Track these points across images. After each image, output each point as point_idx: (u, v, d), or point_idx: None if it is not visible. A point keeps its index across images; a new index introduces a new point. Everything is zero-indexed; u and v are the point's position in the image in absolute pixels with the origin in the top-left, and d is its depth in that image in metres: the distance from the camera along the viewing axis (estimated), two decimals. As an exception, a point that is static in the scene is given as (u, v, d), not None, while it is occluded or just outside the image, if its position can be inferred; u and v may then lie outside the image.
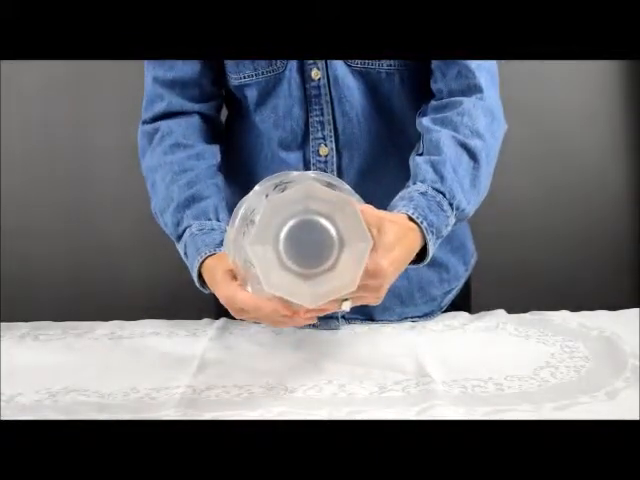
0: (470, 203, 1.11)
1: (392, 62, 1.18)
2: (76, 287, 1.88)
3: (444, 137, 1.11)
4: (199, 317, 1.29)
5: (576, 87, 1.84)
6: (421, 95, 1.22)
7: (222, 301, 1.03)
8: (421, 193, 1.07)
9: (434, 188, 1.08)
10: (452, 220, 1.09)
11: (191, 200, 1.17)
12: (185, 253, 1.14)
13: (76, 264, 1.87)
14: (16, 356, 1.14)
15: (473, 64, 1.16)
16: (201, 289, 1.13)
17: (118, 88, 1.77)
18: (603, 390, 0.98)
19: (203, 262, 1.09)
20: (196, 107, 1.25)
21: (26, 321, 1.28)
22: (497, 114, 1.18)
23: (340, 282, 0.90)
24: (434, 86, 1.19)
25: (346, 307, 0.93)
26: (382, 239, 0.95)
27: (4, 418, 0.93)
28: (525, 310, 1.28)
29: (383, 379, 1.03)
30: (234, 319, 1.28)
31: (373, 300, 0.97)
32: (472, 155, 1.11)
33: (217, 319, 1.29)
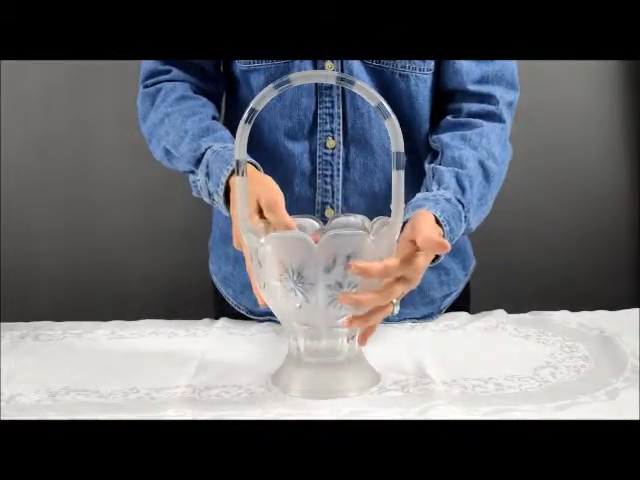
0: (474, 220, 1.15)
1: (406, 64, 1.19)
2: (76, 287, 1.88)
3: (466, 154, 1.17)
4: (199, 317, 1.29)
5: (575, 87, 1.84)
6: (431, 102, 1.24)
7: (233, 220, 1.07)
8: (446, 199, 1.10)
9: (457, 198, 1.12)
10: (461, 232, 1.12)
11: (206, 130, 1.17)
12: (207, 173, 1.13)
13: (76, 264, 1.87)
14: (16, 356, 1.14)
15: (497, 93, 1.21)
16: (223, 209, 1.13)
17: (118, 87, 1.77)
18: (603, 390, 0.98)
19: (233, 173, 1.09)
20: (198, 84, 1.27)
21: (26, 321, 1.28)
22: (508, 146, 1.23)
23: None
24: (451, 106, 1.23)
25: (396, 310, 0.99)
26: None
27: (4, 418, 0.93)
28: (525, 310, 1.28)
29: (383, 379, 1.03)
30: (234, 319, 1.29)
31: (413, 281, 0.98)
32: (486, 175, 1.17)
33: (217, 319, 1.29)
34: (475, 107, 1.22)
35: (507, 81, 1.23)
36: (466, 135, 1.19)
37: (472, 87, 1.21)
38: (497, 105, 1.21)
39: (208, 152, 1.14)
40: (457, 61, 1.21)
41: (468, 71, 1.21)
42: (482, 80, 1.22)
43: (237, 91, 1.27)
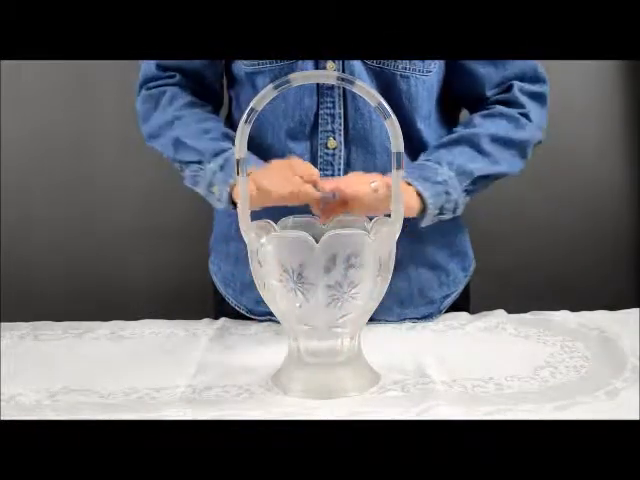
0: (474, 163, 1.19)
1: (406, 65, 1.19)
2: (76, 287, 1.88)
3: (459, 132, 1.23)
4: (199, 317, 1.29)
5: (575, 87, 1.84)
6: (433, 102, 1.24)
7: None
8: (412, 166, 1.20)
9: (424, 159, 1.20)
10: (445, 170, 1.17)
11: (227, 136, 1.20)
12: (222, 166, 1.15)
13: (76, 265, 1.87)
14: (16, 356, 1.14)
15: (514, 83, 1.24)
16: (218, 201, 1.16)
17: (119, 86, 1.77)
18: (603, 390, 0.98)
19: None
20: (200, 91, 1.28)
21: (26, 321, 1.28)
22: (522, 122, 1.25)
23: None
24: (473, 103, 1.28)
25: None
26: None
27: (4, 418, 0.93)
28: (525, 310, 1.28)
29: (383, 379, 1.03)
30: (234, 319, 1.29)
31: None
32: (476, 137, 1.21)
33: (217, 319, 1.29)
34: (494, 98, 1.26)
35: (529, 77, 1.26)
36: (472, 118, 1.25)
37: (490, 92, 1.26)
38: (511, 92, 1.25)
39: (230, 151, 1.16)
40: (476, 69, 1.24)
41: (488, 79, 1.25)
42: (502, 83, 1.26)
43: (241, 93, 1.27)
